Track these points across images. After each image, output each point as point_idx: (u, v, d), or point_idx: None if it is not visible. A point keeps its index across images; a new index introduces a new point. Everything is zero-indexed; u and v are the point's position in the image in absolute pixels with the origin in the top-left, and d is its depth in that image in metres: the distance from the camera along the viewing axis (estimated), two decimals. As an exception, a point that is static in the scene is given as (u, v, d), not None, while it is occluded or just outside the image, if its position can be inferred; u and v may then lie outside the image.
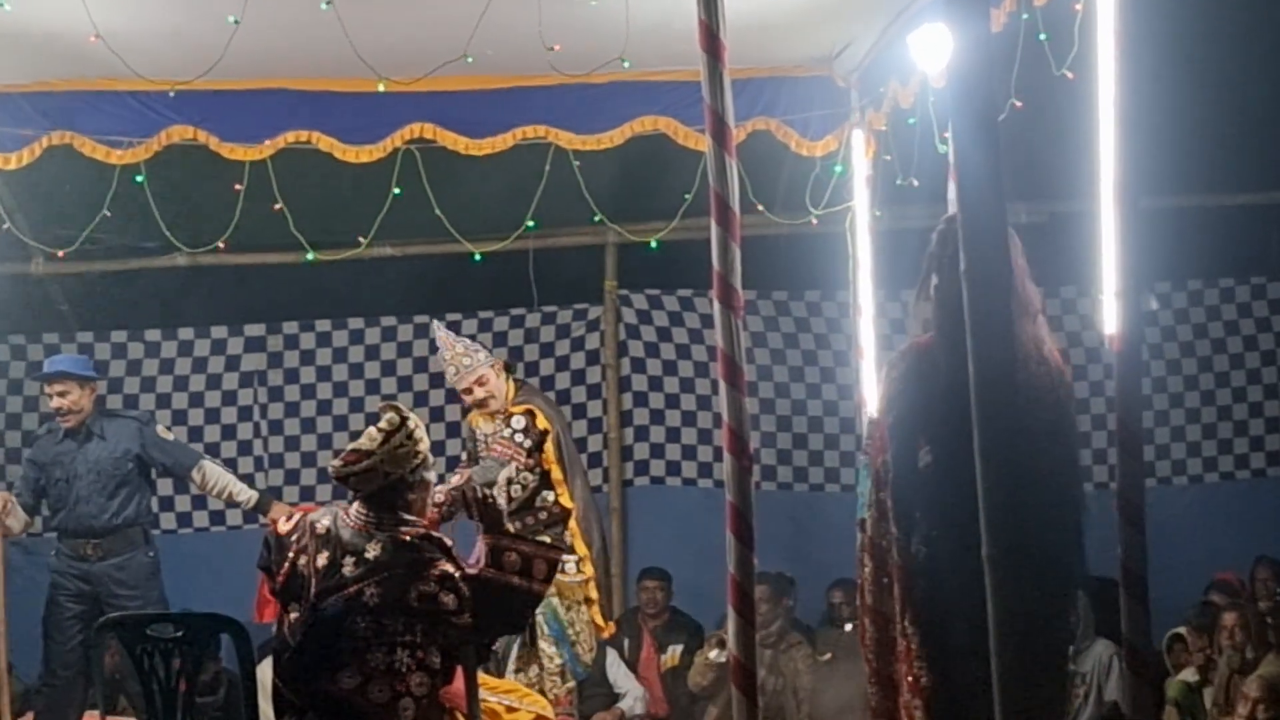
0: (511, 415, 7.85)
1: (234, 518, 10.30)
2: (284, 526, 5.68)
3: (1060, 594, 5.15)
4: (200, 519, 10.45)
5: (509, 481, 7.74)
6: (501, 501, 5.64)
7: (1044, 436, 4.81)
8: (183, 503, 10.35)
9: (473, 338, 10.47)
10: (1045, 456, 4.74)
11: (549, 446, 7.87)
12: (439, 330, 8.14)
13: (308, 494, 10.34)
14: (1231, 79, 8.66)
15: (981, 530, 3.39)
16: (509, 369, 8.08)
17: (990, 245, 3.52)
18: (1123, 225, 5.38)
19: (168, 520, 10.25)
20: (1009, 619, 3.27)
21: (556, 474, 7.93)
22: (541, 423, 7.86)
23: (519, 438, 7.78)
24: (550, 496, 7.89)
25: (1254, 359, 10.60)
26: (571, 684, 8.11)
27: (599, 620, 8.03)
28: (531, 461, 7.81)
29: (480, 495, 5.87)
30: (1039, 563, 3.81)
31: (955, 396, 4.41)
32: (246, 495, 8.30)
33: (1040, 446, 4.66)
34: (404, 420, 5.58)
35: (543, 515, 7.88)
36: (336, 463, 5.60)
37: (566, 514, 7.91)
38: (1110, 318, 5.46)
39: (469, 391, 7.94)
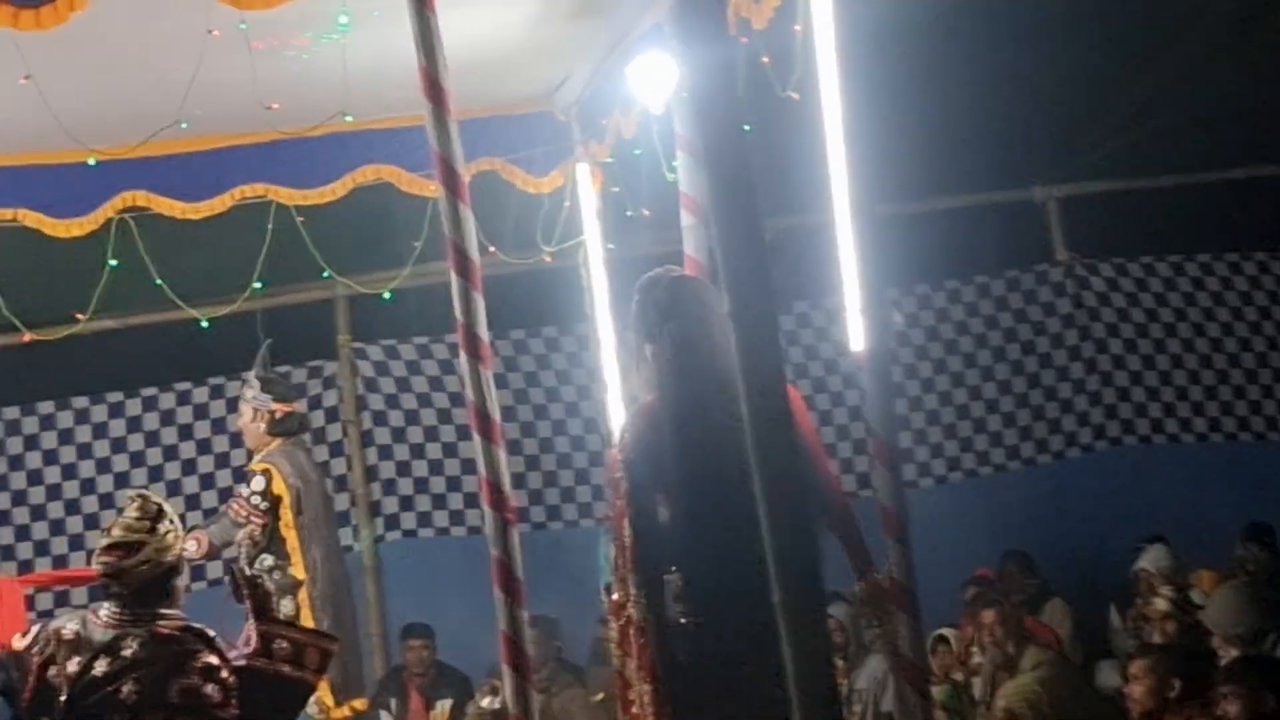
0: (252, 474, 7.66)
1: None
2: (19, 643, 5.43)
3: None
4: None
5: (253, 544, 7.54)
6: (270, 583, 5.43)
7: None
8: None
9: (204, 406, 10.16)
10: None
11: (285, 512, 7.63)
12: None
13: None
14: (956, 82, 8.78)
15: (771, 577, 3.33)
16: (277, 423, 7.85)
17: (751, 276, 3.46)
18: (860, 235, 5.41)
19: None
20: (808, 662, 3.21)
21: (292, 542, 7.65)
22: (277, 487, 7.60)
23: (255, 499, 7.59)
24: (268, 561, 7.59)
25: (985, 356, 10.80)
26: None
27: (328, 700, 7.62)
28: (262, 523, 7.60)
29: (250, 577, 5.63)
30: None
31: (683, 453, 4.96)
32: None
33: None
34: (160, 506, 5.36)
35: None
36: (107, 559, 5.30)
37: (296, 585, 7.63)
38: (855, 332, 5.48)
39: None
